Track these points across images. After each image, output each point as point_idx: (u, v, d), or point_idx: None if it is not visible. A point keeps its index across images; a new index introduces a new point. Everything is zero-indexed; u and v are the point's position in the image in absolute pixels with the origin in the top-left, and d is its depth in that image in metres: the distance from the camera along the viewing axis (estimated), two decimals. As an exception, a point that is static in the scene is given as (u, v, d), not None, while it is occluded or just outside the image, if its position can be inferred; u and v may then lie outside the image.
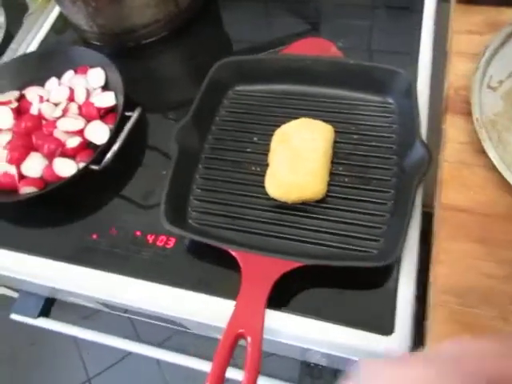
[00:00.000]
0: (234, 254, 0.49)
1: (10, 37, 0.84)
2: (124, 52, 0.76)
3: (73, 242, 0.59)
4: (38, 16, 0.85)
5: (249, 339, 0.44)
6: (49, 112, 0.66)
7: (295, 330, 0.49)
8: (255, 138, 0.60)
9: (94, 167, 0.58)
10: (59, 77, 0.71)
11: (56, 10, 0.84)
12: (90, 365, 1.39)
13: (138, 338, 1.31)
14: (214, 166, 0.59)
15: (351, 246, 0.50)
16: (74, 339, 1.33)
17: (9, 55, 0.81)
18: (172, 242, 0.56)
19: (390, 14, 0.75)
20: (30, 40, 0.81)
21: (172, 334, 1.21)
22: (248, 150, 0.59)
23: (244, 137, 0.60)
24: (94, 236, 0.58)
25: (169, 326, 0.64)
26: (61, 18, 0.82)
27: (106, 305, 0.65)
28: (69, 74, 0.70)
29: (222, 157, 0.59)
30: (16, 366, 1.42)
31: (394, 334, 0.46)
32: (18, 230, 0.62)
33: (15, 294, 0.84)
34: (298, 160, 0.53)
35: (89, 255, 0.57)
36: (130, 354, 1.27)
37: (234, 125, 0.62)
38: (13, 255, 0.59)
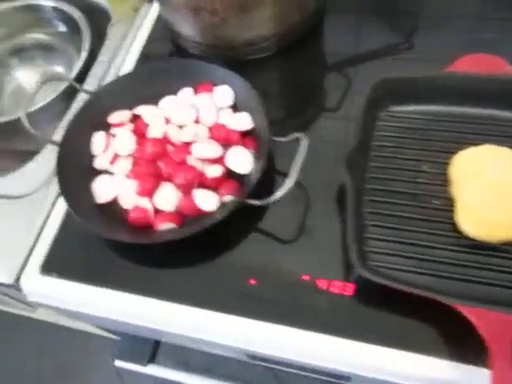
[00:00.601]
0: (463, 309, 0.41)
1: (94, 48, 0.75)
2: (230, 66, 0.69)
3: (224, 288, 0.51)
4: (126, 25, 0.77)
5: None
6: (175, 135, 0.58)
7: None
8: (425, 167, 0.54)
9: (255, 202, 0.50)
10: (174, 94, 0.63)
11: (149, 18, 0.75)
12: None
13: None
14: (383, 199, 0.52)
15: None
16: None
17: (99, 68, 0.72)
18: (351, 289, 0.49)
19: None
20: (125, 53, 0.73)
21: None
22: (419, 180, 0.53)
23: (411, 165, 0.54)
24: (252, 281, 0.51)
25: (323, 377, 0.57)
26: (157, 26, 0.74)
27: (252, 356, 0.57)
28: (187, 92, 0.62)
29: (391, 188, 0.53)
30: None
31: None
32: (152, 272, 0.54)
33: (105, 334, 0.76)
34: (502, 195, 0.47)
35: (247, 303, 0.50)
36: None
37: (394, 150, 0.55)
38: (149, 302, 0.52)
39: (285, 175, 0.58)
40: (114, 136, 0.60)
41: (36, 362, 1.41)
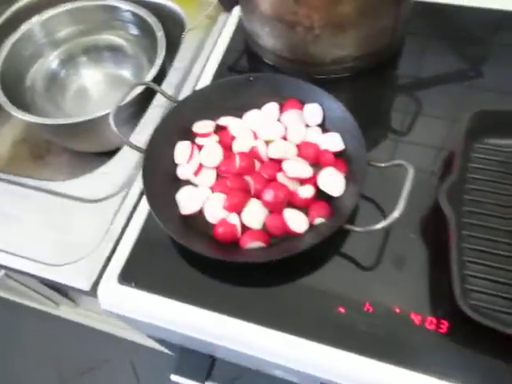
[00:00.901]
0: None
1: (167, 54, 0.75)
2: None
3: (311, 313, 0.49)
4: (202, 34, 0.76)
5: None
6: (263, 151, 0.57)
7: None
8: (523, 204, 0.52)
9: (357, 229, 0.49)
10: (259, 108, 0.62)
11: (228, 28, 0.75)
12: None
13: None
14: (480, 235, 0.51)
15: None
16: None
17: (175, 75, 0.71)
18: (445, 326, 0.47)
19: None
20: (203, 62, 0.72)
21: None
22: (519, 217, 0.52)
23: (509, 201, 0.52)
24: (341, 310, 0.49)
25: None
26: (236, 37, 0.73)
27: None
28: (272, 107, 0.61)
29: (488, 224, 0.51)
30: None
31: None
32: (232, 289, 0.52)
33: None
34: None
35: (335, 332, 0.48)
36: None
37: (490, 185, 0.54)
38: (228, 321, 0.50)
39: (367, 199, 0.58)
40: (199, 146, 0.59)
41: (57, 360, 1.39)
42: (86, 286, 0.52)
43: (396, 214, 0.45)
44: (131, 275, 0.53)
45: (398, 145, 0.62)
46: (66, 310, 1.28)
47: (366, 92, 0.67)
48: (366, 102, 0.67)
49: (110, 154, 0.80)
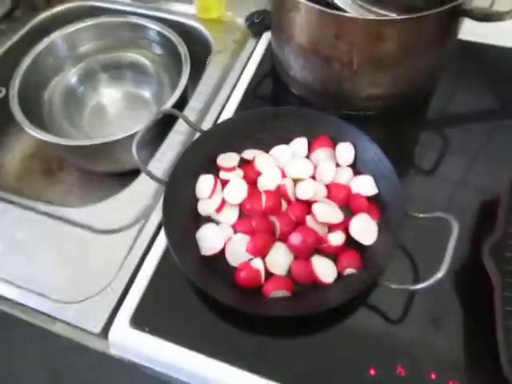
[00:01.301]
0: None
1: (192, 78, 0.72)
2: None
3: (338, 375, 0.45)
4: (228, 59, 0.74)
5: None
6: (291, 190, 0.54)
7: None
8: None
9: (393, 286, 0.45)
10: (287, 143, 0.59)
11: (256, 56, 0.72)
12: None
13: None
14: (524, 296, 0.47)
15: None
16: None
17: (198, 100, 0.69)
18: (485, 398, 0.44)
19: None
20: (229, 89, 0.69)
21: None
22: None
23: (555, 261, 0.49)
24: (372, 371, 0.45)
25: None
26: (264, 65, 0.71)
27: None
28: (301, 143, 0.58)
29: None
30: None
31: None
32: (253, 341, 0.48)
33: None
34: None
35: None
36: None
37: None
38: (247, 377, 0.46)
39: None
40: (222, 181, 0.55)
41: (53, 378, 1.34)
42: (95, 328, 0.49)
43: (440, 274, 0.41)
44: (145, 319, 0.49)
45: (428, 187, 0.59)
46: (62, 327, 1.23)
47: (397, 131, 0.64)
48: (395, 142, 0.64)
49: (123, 174, 0.78)
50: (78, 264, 0.53)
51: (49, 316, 0.51)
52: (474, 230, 0.53)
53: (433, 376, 0.44)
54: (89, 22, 0.79)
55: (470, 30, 0.62)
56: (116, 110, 0.85)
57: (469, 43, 0.71)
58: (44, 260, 0.55)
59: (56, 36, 0.79)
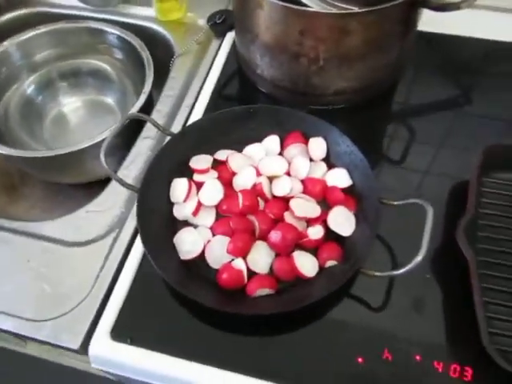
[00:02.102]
0: None
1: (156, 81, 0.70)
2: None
3: (326, 367, 0.45)
4: (192, 61, 0.72)
5: None
6: (267, 188, 0.53)
7: None
8: (538, 241, 0.51)
9: (376, 273, 0.45)
10: (259, 141, 0.58)
11: (221, 56, 0.71)
12: None
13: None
14: (498, 274, 0.49)
15: None
16: None
17: (165, 103, 0.67)
18: (469, 374, 0.45)
19: None
20: (196, 90, 0.68)
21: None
22: (535, 256, 0.50)
23: (523, 238, 0.51)
24: (360, 359, 0.46)
25: None
26: (230, 65, 0.70)
27: None
28: (273, 140, 0.58)
29: (505, 262, 0.49)
30: None
31: None
32: (239, 341, 0.47)
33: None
34: None
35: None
36: None
37: (502, 220, 0.52)
38: (237, 379, 0.45)
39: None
40: (196, 183, 0.54)
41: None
42: (74, 344, 0.46)
43: (419, 257, 0.42)
44: (126, 330, 0.48)
45: (399, 176, 0.60)
46: (34, 348, 1.18)
47: (365, 124, 0.65)
48: (364, 133, 0.65)
49: (89, 185, 0.76)
50: (51, 279, 0.51)
51: (22, 337, 0.49)
52: (445, 214, 0.55)
53: (418, 358, 0.46)
54: (43, 29, 0.76)
55: (429, 22, 0.64)
56: (78, 118, 0.82)
57: (428, 34, 0.73)
58: (13, 278, 0.52)
59: (8, 44, 0.75)
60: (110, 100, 0.83)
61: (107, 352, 0.47)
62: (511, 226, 0.52)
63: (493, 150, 0.53)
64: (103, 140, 0.54)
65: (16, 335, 0.48)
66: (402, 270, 0.43)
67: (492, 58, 0.72)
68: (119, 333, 0.47)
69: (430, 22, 0.65)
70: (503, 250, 0.50)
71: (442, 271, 0.51)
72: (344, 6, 0.55)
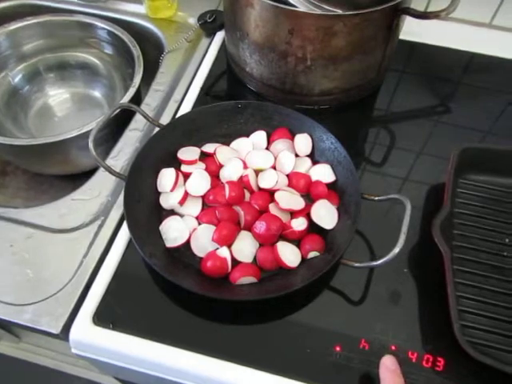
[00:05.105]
0: None
1: (147, 75, 0.71)
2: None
3: (305, 355, 0.47)
4: (182, 57, 0.74)
5: None
6: (253, 180, 0.55)
7: None
8: (507, 240, 0.53)
9: (356, 264, 0.47)
10: (247, 136, 0.60)
11: (211, 53, 0.73)
12: None
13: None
14: (470, 270, 0.51)
15: None
16: None
17: (154, 98, 0.68)
18: (441, 364, 0.46)
19: None
20: (185, 86, 0.69)
21: None
22: (505, 253, 0.52)
23: (494, 237, 0.53)
24: (337, 348, 0.47)
25: None
26: (219, 62, 0.72)
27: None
28: (260, 135, 0.59)
29: (477, 259, 0.52)
30: None
31: None
32: (220, 328, 0.48)
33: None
34: None
35: (328, 372, 0.46)
36: None
37: (476, 220, 0.55)
38: (218, 364, 0.46)
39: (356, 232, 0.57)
40: (184, 174, 0.55)
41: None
42: (55, 328, 0.46)
43: (397, 249, 0.44)
44: (108, 315, 0.48)
45: (379, 177, 0.62)
46: (7, 345, 1.15)
47: (348, 125, 0.68)
48: (347, 135, 0.67)
49: (72, 176, 0.75)
50: (34, 265, 0.51)
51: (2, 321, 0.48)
52: (422, 214, 0.57)
53: (393, 347, 0.47)
54: (33, 20, 0.76)
55: (412, 31, 0.67)
56: (64, 110, 0.82)
57: (410, 43, 0.76)
58: (-7, 262, 0.51)
59: (-3, 33, 0.75)
60: (97, 94, 0.83)
61: (88, 337, 0.47)
62: (484, 225, 0.54)
63: (467, 152, 0.56)
64: (90, 131, 0.55)
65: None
66: (380, 261, 0.45)
67: (470, 69, 0.76)
68: (101, 318, 0.48)
69: (412, 31, 0.69)
70: (475, 248, 0.53)
71: (419, 266, 0.53)
72: (330, 8, 0.57)
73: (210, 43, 0.76)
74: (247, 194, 0.54)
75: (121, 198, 0.55)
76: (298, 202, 0.52)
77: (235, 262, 0.50)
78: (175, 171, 0.55)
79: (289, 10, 0.53)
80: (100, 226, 0.54)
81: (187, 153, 0.57)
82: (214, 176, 0.56)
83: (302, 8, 0.59)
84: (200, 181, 0.54)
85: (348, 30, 0.54)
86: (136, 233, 0.49)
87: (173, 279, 0.46)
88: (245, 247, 0.50)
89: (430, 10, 0.76)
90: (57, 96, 0.83)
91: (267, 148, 0.59)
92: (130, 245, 0.53)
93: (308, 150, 0.58)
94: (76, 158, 0.69)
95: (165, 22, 0.80)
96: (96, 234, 0.53)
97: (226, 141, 0.59)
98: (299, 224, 0.51)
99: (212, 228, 0.50)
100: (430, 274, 0.52)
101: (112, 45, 0.77)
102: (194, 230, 0.51)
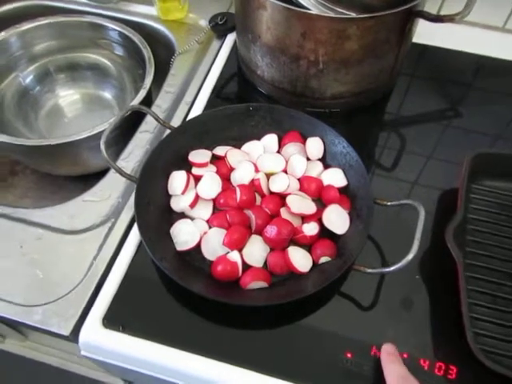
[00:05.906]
0: None
1: (158, 77, 0.71)
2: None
3: (316, 361, 0.46)
4: (193, 59, 0.73)
5: None
6: (264, 184, 0.54)
7: None
8: (522, 247, 0.53)
9: (368, 270, 0.46)
10: (258, 139, 0.59)
11: (222, 55, 0.73)
12: None
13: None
14: (483, 277, 0.50)
15: None
16: None
17: (165, 100, 0.68)
18: (454, 372, 0.46)
19: None
20: (196, 88, 0.69)
21: None
22: (519, 260, 0.52)
23: (508, 243, 0.53)
24: (348, 355, 0.47)
25: None
26: (230, 64, 0.72)
27: None
28: (272, 139, 0.59)
29: (490, 265, 0.51)
30: None
31: None
32: (230, 333, 0.48)
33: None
34: None
35: (339, 379, 0.45)
36: None
37: (490, 226, 0.54)
38: (228, 369, 0.45)
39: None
40: (195, 176, 0.55)
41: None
42: (65, 330, 0.46)
43: (411, 256, 0.44)
44: (118, 318, 0.48)
45: (390, 182, 0.62)
46: (12, 344, 1.15)
47: (359, 129, 0.67)
48: (358, 139, 0.66)
49: (84, 178, 0.75)
50: (44, 266, 0.51)
51: (11, 321, 0.48)
52: (435, 219, 0.56)
53: (405, 355, 0.46)
54: (45, 21, 0.76)
55: (424, 34, 0.66)
56: (74, 111, 0.82)
57: (422, 46, 0.76)
58: (4, 263, 0.51)
59: (8, 34, 0.75)
60: (107, 95, 0.83)
61: (98, 339, 0.46)
62: (498, 232, 0.54)
63: (481, 158, 0.55)
64: (101, 132, 0.55)
65: (6, 320, 0.47)
66: (393, 267, 0.44)
67: (481, 73, 0.75)
68: (111, 320, 0.47)
69: (425, 34, 0.68)
70: (489, 255, 0.52)
71: (431, 273, 0.52)
72: (343, 11, 0.57)
73: (220, 45, 0.75)
74: (258, 198, 0.54)
75: (131, 200, 0.54)
76: (310, 207, 0.52)
77: (246, 266, 0.49)
78: (186, 174, 0.54)
79: (301, 12, 0.52)
80: (110, 228, 0.54)
81: (198, 155, 0.57)
82: (225, 179, 0.55)
83: (314, 10, 0.59)
84: (211, 184, 0.53)
85: (361, 33, 0.53)
86: (147, 235, 0.48)
87: (183, 283, 0.46)
88: (255, 251, 0.50)
89: (442, 13, 0.75)
90: (67, 97, 0.83)
91: (278, 151, 0.58)
92: (140, 247, 0.52)
93: (320, 154, 0.58)
94: (86, 159, 0.69)
95: (176, 24, 0.80)
96: (106, 236, 0.53)
97: (237, 144, 0.59)
98: (311, 229, 0.50)
99: (223, 232, 0.50)
100: (442, 281, 0.51)
101: (123, 46, 0.77)
102: (205, 233, 0.51)
